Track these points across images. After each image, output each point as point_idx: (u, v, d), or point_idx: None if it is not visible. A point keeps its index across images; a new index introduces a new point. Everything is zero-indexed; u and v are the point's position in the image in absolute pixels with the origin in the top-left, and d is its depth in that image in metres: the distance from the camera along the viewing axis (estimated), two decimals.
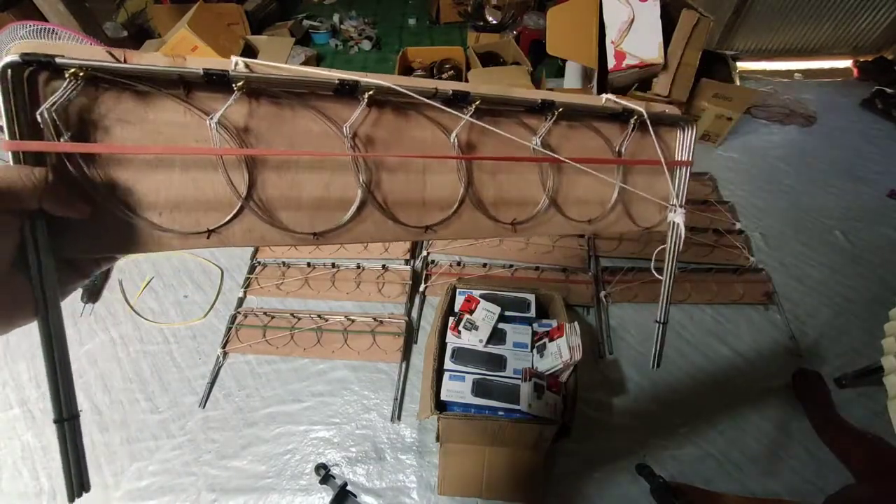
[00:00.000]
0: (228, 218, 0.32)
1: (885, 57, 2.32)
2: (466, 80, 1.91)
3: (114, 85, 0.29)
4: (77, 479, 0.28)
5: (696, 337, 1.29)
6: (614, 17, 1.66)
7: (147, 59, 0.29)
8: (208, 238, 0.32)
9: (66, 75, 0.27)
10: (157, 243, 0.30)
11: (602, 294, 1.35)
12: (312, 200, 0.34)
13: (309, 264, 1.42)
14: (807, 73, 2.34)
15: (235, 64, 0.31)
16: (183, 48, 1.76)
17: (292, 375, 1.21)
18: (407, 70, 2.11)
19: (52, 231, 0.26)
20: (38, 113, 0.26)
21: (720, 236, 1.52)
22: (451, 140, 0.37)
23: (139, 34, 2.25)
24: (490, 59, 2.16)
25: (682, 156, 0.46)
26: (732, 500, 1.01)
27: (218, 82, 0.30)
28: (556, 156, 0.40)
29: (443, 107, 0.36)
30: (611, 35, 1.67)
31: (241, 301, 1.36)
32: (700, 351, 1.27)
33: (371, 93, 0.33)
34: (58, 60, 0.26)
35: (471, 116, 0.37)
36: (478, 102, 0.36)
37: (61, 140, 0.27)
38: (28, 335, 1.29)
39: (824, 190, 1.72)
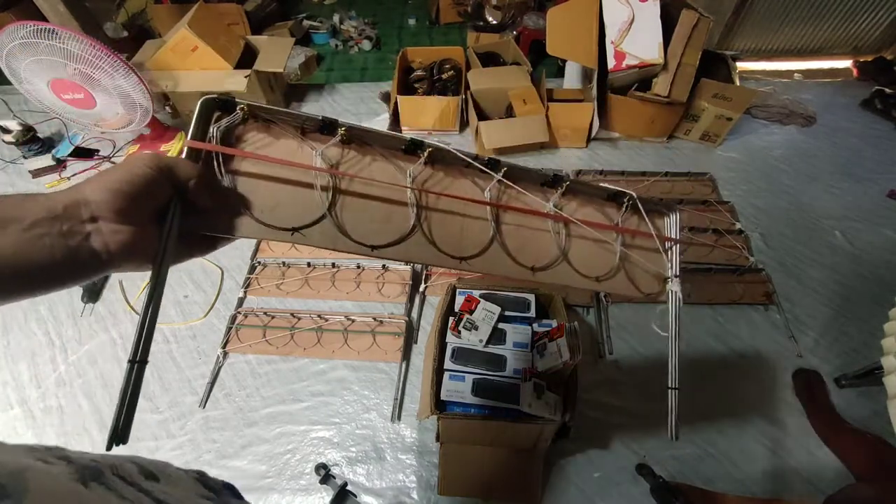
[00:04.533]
0: (311, 221, 0.42)
1: (884, 57, 2.32)
2: (466, 81, 1.91)
3: (260, 121, 0.42)
4: (125, 424, 0.29)
5: (696, 337, 1.30)
6: (614, 17, 1.66)
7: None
8: (291, 235, 0.41)
9: (237, 109, 0.40)
10: (254, 232, 0.40)
11: (602, 294, 1.35)
12: (376, 224, 0.44)
13: (309, 264, 1.42)
14: (807, 74, 2.34)
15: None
16: (183, 48, 1.76)
17: (292, 375, 1.21)
18: (406, 70, 2.11)
19: (186, 211, 0.35)
20: (212, 127, 0.39)
21: (720, 236, 1.52)
22: (486, 194, 0.49)
23: (139, 34, 2.25)
24: (490, 59, 2.16)
25: (671, 234, 0.55)
26: (732, 500, 1.02)
27: (326, 129, 0.43)
28: (566, 215, 0.51)
29: (481, 167, 0.47)
30: (611, 35, 1.67)
31: (241, 301, 1.36)
32: (700, 351, 1.27)
33: (431, 150, 0.45)
34: (235, 99, 0.40)
35: (501, 177, 0.48)
36: (506, 169, 0.48)
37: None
38: (28, 335, 1.29)
39: (824, 190, 1.72)
